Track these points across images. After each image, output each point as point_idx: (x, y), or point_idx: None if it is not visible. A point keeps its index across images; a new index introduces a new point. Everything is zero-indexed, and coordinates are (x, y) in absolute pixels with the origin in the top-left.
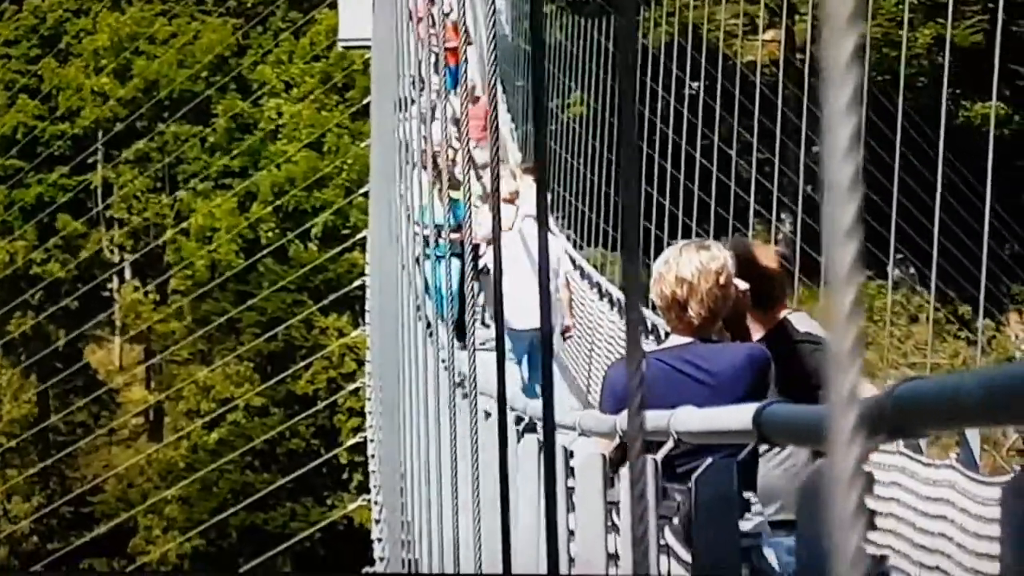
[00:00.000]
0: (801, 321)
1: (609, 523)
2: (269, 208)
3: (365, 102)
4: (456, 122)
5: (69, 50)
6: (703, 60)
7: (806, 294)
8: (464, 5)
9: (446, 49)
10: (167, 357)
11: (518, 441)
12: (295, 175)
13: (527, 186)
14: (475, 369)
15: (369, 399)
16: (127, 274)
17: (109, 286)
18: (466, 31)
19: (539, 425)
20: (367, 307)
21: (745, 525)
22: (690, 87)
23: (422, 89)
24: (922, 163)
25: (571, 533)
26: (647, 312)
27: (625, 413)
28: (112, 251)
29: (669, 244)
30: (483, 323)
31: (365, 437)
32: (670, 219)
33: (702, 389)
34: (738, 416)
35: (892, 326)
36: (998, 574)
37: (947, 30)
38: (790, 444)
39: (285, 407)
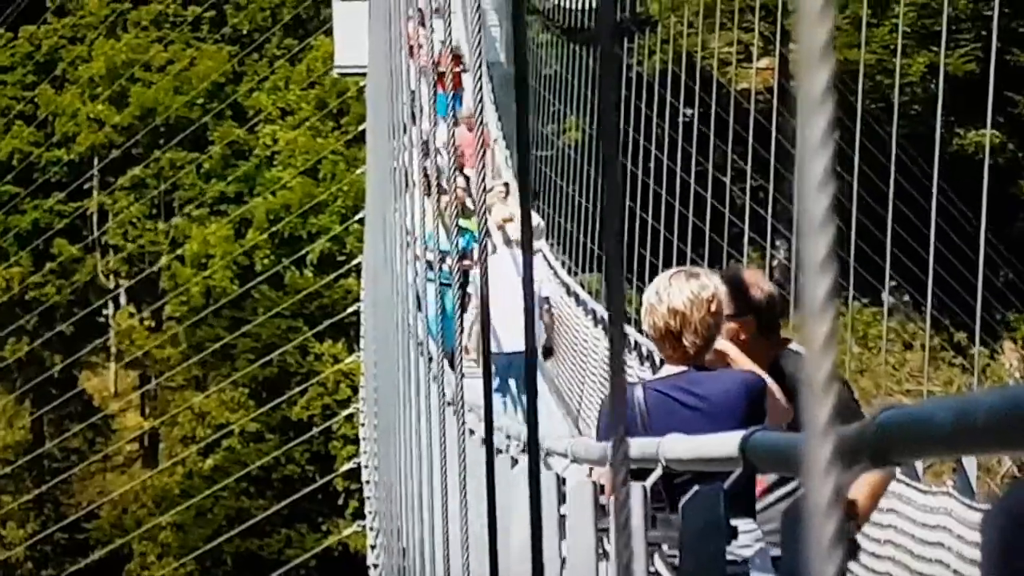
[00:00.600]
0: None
1: (600, 550)
2: (264, 234)
3: (360, 128)
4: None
5: (65, 77)
6: (697, 87)
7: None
8: (451, 32)
9: (438, 74)
10: (162, 383)
11: (512, 467)
12: (290, 201)
13: (515, 210)
14: (463, 395)
15: (363, 425)
16: (122, 300)
17: (104, 312)
18: (460, 58)
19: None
20: (362, 333)
21: (745, 552)
22: (684, 114)
23: (416, 115)
24: (916, 190)
25: (563, 560)
26: (641, 339)
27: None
28: (107, 277)
29: (663, 270)
30: (466, 350)
31: (359, 463)
32: (665, 245)
33: (695, 415)
34: (725, 444)
35: (887, 353)
36: None
37: (940, 58)
38: (777, 472)
39: (280, 433)
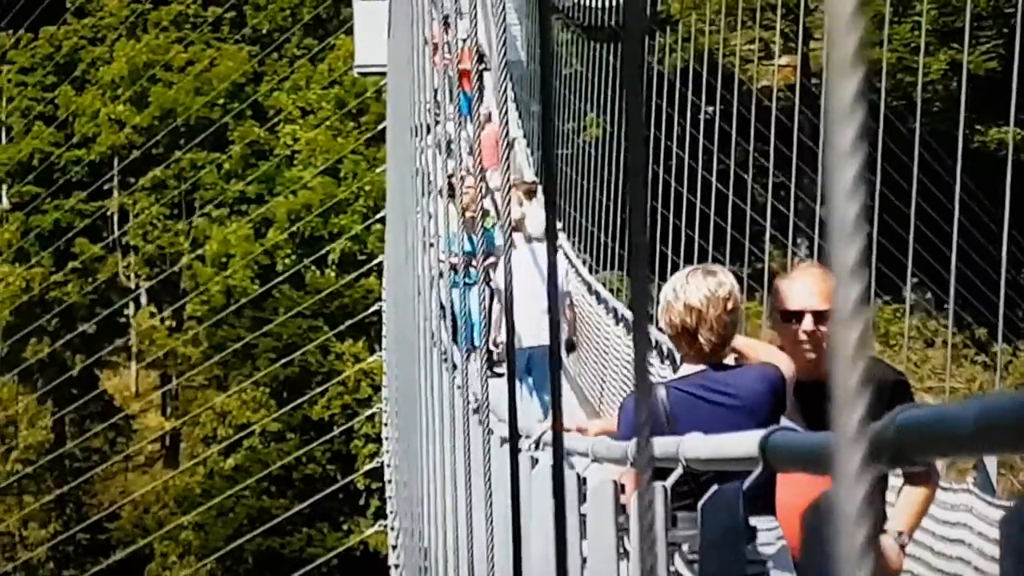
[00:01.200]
0: None
1: (621, 550)
2: (285, 234)
3: (380, 128)
4: (471, 150)
5: (85, 77)
6: (718, 85)
7: None
8: (477, 32)
9: (460, 72)
10: (183, 383)
11: (532, 467)
12: (311, 201)
13: (533, 209)
14: (488, 395)
15: (386, 424)
16: (143, 300)
17: (125, 312)
18: (482, 57)
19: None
20: (383, 333)
21: (767, 550)
22: (705, 112)
23: (438, 115)
24: (938, 188)
25: (584, 560)
26: (662, 337)
27: (634, 440)
28: (128, 277)
29: (684, 267)
30: (494, 343)
31: (382, 462)
32: (686, 242)
33: (722, 411)
34: (744, 443)
35: (908, 350)
36: None
37: (963, 55)
38: (797, 472)
39: (301, 433)
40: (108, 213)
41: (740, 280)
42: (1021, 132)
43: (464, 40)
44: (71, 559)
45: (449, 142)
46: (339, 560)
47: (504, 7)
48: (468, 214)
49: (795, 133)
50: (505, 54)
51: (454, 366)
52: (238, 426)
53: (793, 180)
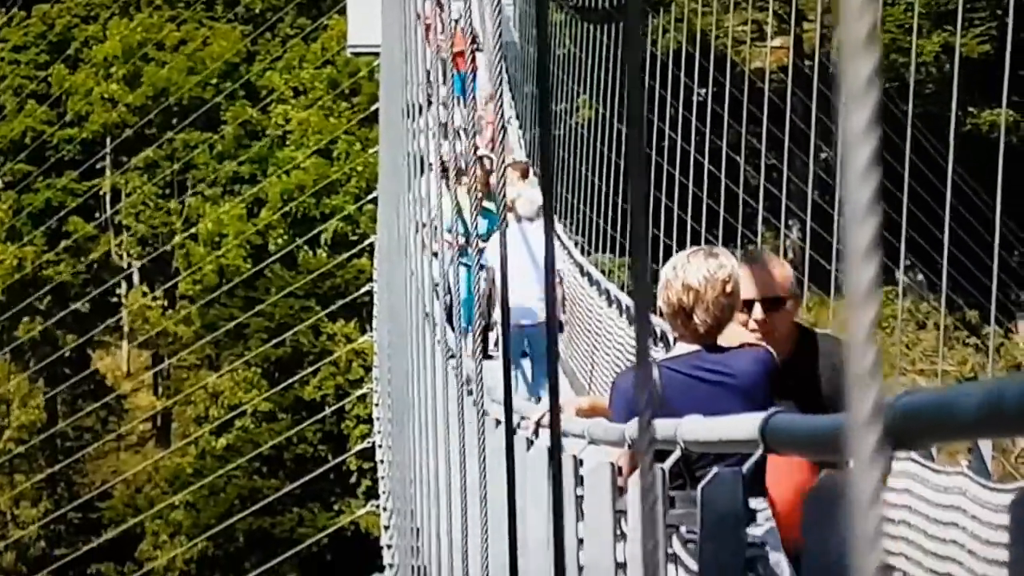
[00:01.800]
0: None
1: (618, 532)
2: (278, 214)
3: (373, 108)
4: (465, 132)
5: (78, 56)
6: (711, 67)
7: (815, 302)
8: (471, 11)
9: (454, 54)
10: (175, 363)
11: (527, 449)
12: (304, 181)
13: (525, 188)
14: (483, 376)
15: (377, 405)
16: (135, 279)
17: (117, 291)
18: (474, 38)
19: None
20: (375, 313)
21: (757, 531)
22: (698, 94)
23: (432, 96)
24: (930, 170)
25: (580, 541)
26: (656, 319)
27: (632, 422)
28: (120, 256)
29: (677, 250)
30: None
31: (373, 443)
32: (679, 225)
33: (718, 390)
34: (744, 425)
35: (900, 332)
36: None
37: (956, 38)
38: (797, 455)
39: (293, 413)
40: (101, 192)
41: None
42: (1013, 115)
43: (456, 20)
44: (62, 538)
45: (444, 124)
46: (330, 540)
47: None
48: (467, 194)
49: (788, 115)
50: (501, 35)
51: (448, 348)
52: (230, 406)
53: (785, 162)
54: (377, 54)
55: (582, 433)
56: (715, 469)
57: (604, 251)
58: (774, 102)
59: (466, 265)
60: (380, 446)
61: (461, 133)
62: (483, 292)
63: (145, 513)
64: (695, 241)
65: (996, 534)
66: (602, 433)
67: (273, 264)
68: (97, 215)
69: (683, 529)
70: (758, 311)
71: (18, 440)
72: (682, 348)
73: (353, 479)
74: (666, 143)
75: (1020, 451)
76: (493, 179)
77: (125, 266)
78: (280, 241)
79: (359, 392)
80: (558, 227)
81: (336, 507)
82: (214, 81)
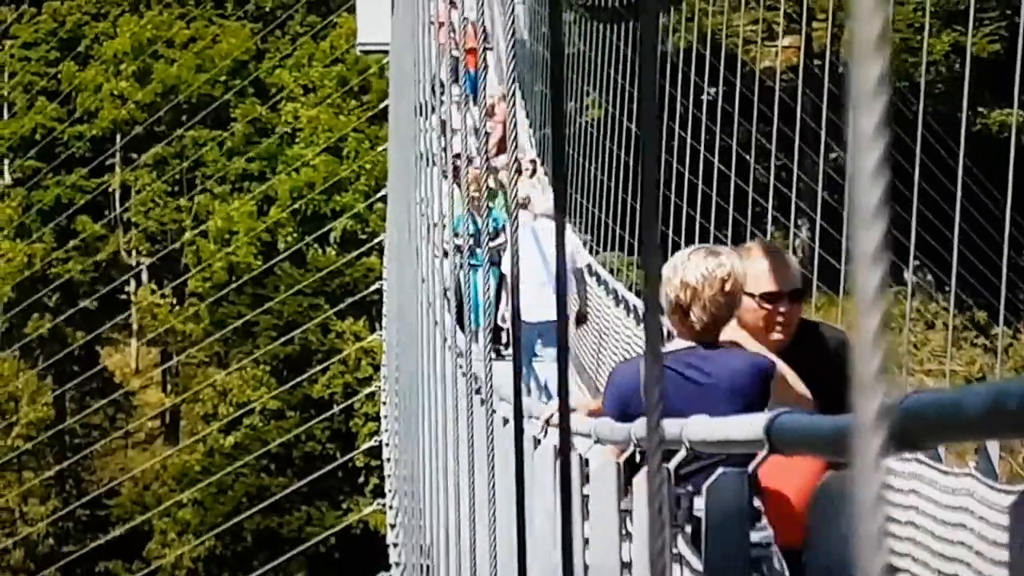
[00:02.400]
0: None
1: (623, 531)
2: (287, 212)
3: (383, 106)
4: (476, 131)
5: (88, 53)
6: (721, 66)
7: (824, 300)
8: (484, 10)
9: (465, 51)
10: (183, 360)
11: (535, 448)
12: (313, 179)
13: (535, 188)
14: (491, 375)
15: (385, 403)
16: (144, 277)
17: (126, 289)
18: (485, 36)
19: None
20: (384, 312)
21: (755, 536)
22: (708, 93)
23: (443, 94)
24: (940, 169)
25: (586, 541)
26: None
27: (639, 422)
28: (129, 253)
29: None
30: (501, 320)
31: (380, 441)
32: (687, 223)
33: (700, 391)
34: (749, 426)
35: (909, 332)
36: None
37: (967, 37)
38: (804, 455)
39: (301, 411)
40: (110, 189)
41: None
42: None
43: (467, 18)
44: (71, 535)
45: (454, 123)
46: (338, 538)
47: None
48: (473, 194)
49: (798, 114)
50: (514, 34)
51: (457, 347)
52: (238, 404)
53: (796, 161)
54: (386, 52)
55: (588, 432)
56: (696, 465)
57: (612, 249)
58: (784, 101)
59: (475, 265)
60: (387, 444)
61: (472, 132)
62: (492, 291)
63: (153, 511)
64: (704, 239)
65: (1003, 535)
66: (608, 432)
67: (282, 262)
68: (106, 212)
69: (688, 528)
70: (785, 304)
71: (27, 437)
72: (678, 343)
73: (361, 477)
74: (676, 141)
75: None
76: (504, 177)
77: (134, 263)
78: (289, 239)
79: (368, 390)
80: (568, 225)
81: (344, 505)
82: (223, 78)
